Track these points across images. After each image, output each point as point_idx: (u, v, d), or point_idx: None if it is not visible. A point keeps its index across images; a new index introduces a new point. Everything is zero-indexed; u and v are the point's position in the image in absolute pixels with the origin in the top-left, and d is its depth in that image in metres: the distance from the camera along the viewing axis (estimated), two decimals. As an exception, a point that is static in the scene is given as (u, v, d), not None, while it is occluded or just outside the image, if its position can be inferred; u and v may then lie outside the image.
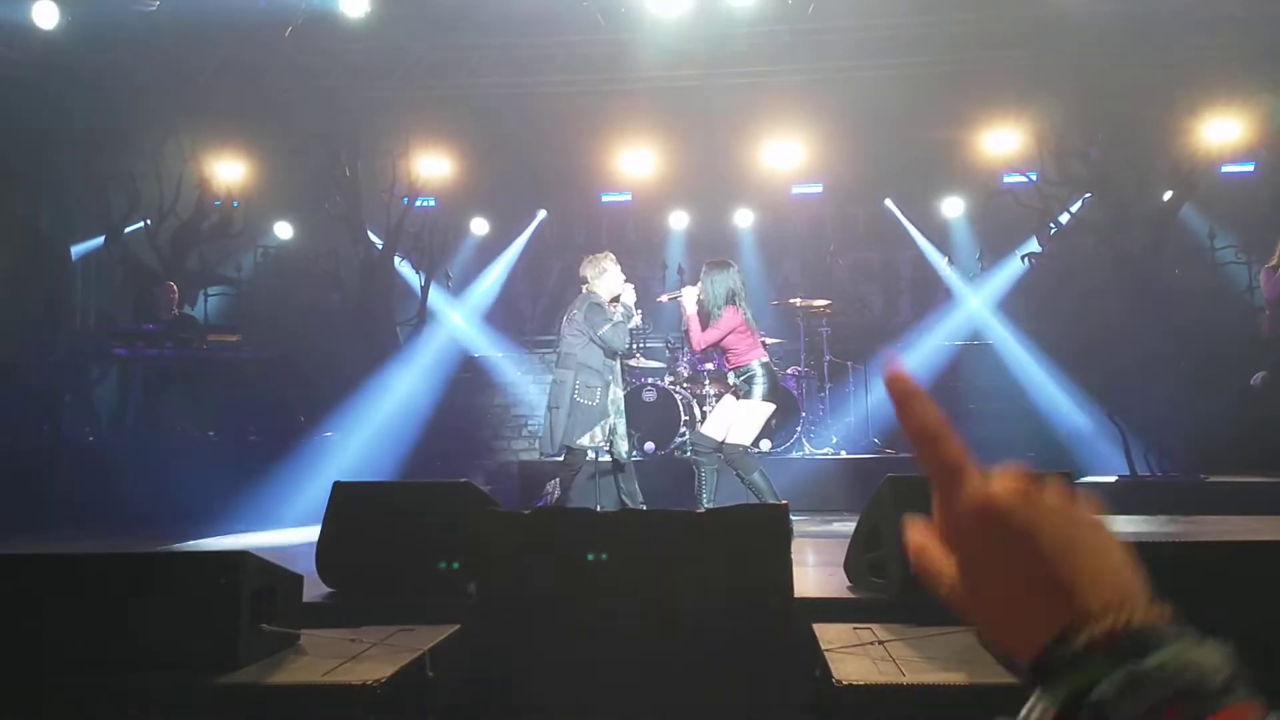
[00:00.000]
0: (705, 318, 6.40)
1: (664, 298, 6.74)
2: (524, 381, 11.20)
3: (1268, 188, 10.45)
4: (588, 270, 6.63)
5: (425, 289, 11.39)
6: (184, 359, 9.11)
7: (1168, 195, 10.23)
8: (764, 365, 6.32)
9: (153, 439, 8.47)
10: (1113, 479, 7.97)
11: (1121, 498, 7.42)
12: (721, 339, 6.33)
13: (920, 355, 10.54)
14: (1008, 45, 9.97)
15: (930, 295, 11.69)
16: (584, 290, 6.61)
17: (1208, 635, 0.62)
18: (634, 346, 9.77)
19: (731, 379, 6.45)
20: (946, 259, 11.09)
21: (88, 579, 3.51)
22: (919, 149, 11.03)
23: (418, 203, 11.35)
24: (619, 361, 6.67)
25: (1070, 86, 9.80)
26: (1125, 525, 6.45)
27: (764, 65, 10.42)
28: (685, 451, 8.90)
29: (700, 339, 6.39)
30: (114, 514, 7.38)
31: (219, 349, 9.31)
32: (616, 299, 6.60)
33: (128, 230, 10.77)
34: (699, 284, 6.46)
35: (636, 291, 6.75)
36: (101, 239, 10.66)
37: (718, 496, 6.41)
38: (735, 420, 6.29)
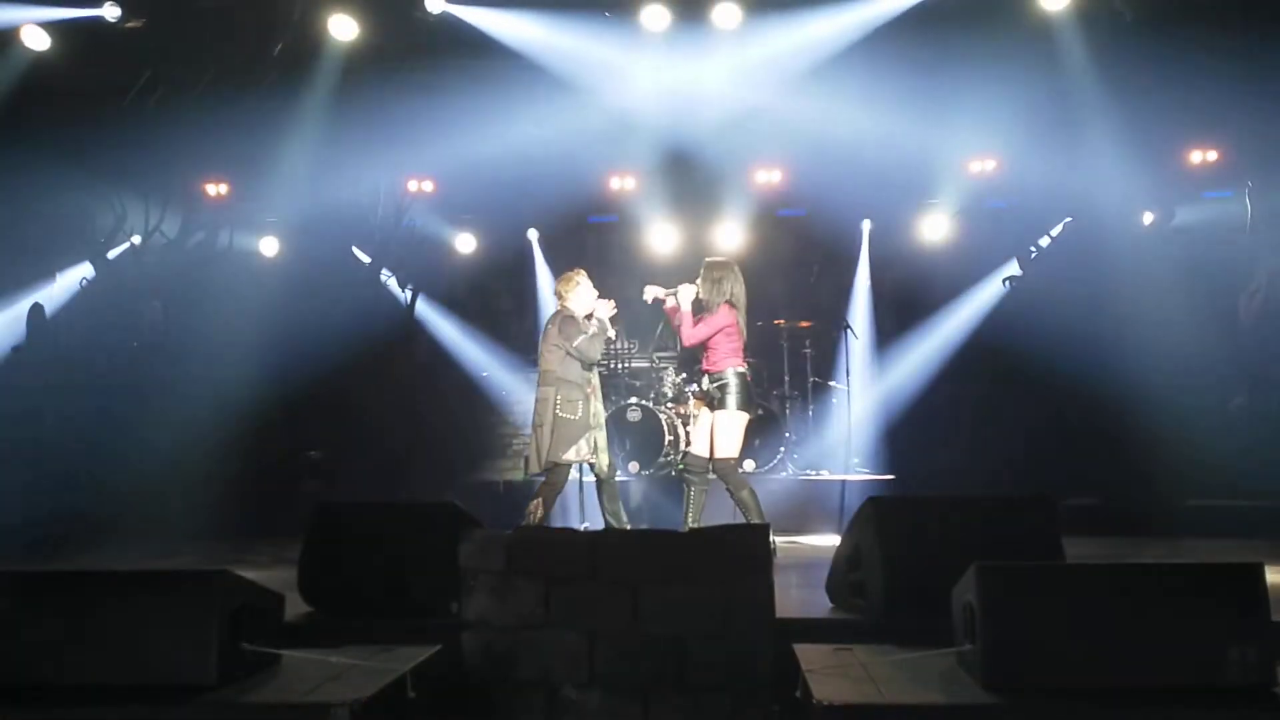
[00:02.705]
0: (698, 314, 6.44)
1: (660, 293, 6.70)
2: (509, 400, 11.20)
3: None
4: (561, 287, 6.78)
5: (411, 305, 11.38)
6: (168, 377, 9.09)
7: (1149, 219, 10.33)
8: (738, 375, 6.33)
9: (135, 456, 8.42)
10: (1093, 501, 8.01)
11: (1102, 520, 7.46)
12: (711, 336, 6.35)
13: (901, 374, 10.59)
14: (991, 67, 10.04)
15: (914, 316, 11.71)
16: (558, 306, 6.71)
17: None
18: (620, 367, 9.78)
19: (705, 382, 6.47)
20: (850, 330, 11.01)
21: (65, 596, 3.50)
22: (902, 172, 11.10)
23: (404, 220, 11.34)
24: (597, 375, 6.73)
25: (1052, 109, 9.88)
26: (1100, 548, 6.48)
27: (750, 87, 10.47)
28: (670, 471, 8.92)
29: (690, 334, 6.42)
30: (93, 531, 7.35)
31: (202, 367, 9.29)
32: (591, 315, 6.66)
33: (113, 253, 10.76)
34: (697, 280, 6.50)
35: (621, 311, 6.79)
36: (86, 263, 10.63)
37: (705, 517, 6.40)
38: (717, 435, 6.32)
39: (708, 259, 6.63)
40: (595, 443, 6.52)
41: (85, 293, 10.44)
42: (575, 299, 6.69)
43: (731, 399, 6.28)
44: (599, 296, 6.78)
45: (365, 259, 11.52)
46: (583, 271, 6.84)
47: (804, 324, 10.04)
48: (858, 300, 11.42)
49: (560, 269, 7.43)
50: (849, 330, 10.14)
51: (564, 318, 6.59)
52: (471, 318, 11.83)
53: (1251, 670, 3.09)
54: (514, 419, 10.98)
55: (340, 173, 10.60)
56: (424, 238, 11.62)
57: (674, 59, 9.87)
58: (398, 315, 11.34)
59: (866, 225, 11.64)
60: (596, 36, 9.64)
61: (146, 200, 10.75)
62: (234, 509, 7.75)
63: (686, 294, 6.49)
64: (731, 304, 6.39)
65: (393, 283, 11.58)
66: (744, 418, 6.35)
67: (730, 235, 11.62)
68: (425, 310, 11.78)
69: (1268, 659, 3.11)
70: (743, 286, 6.49)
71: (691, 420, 9.09)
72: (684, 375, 9.60)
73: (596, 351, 6.57)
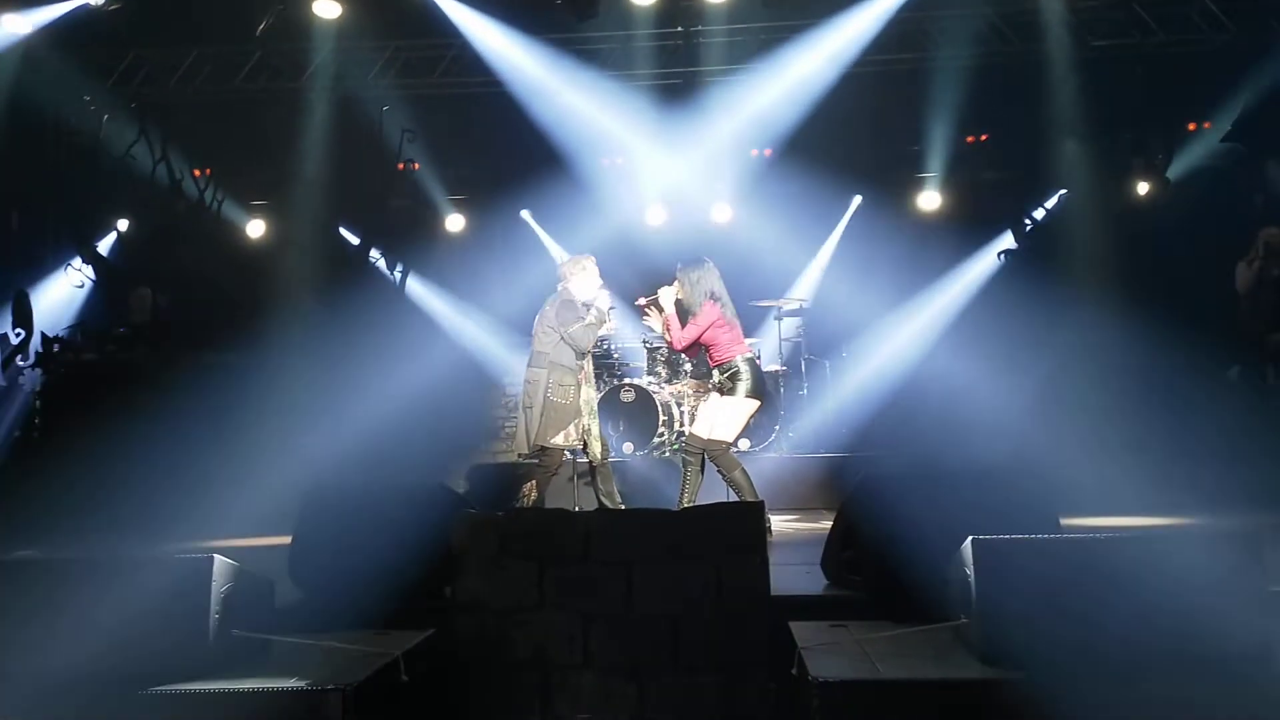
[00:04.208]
0: (684, 316, 6.38)
1: (642, 301, 6.68)
2: (502, 382, 11.16)
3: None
4: (566, 268, 6.64)
5: (401, 286, 11.32)
6: (155, 364, 9.04)
7: (1144, 189, 10.30)
8: (748, 361, 6.28)
9: (123, 444, 8.37)
10: (1086, 473, 7.98)
11: (1096, 492, 7.42)
12: (701, 335, 6.29)
13: (895, 349, 10.56)
14: (982, 41, 10.02)
15: (909, 291, 11.69)
16: (559, 288, 6.59)
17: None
18: (613, 349, 9.74)
19: (715, 375, 6.40)
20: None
21: (56, 584, 3.47)
22: (895, 145, 11.07)
23: (393, 199, 11.31)
24: (590, 362, 6.65)
25: (1045, 81, 9.84)
26: (1095, 520, 6.46)
27: (741, 62, 10.44)
28: (663, 452, 8.90)
29: (680, 337, 6.34)
30: (83, 519, 7.30)
31: (190, 352, 9.24)
32: (591, 302, 6.57)
33: (100, 238, 10.70)
34: (675, 283, 6.43)
35: (612, 290, 6.72)
36: (74, 249, 10.58)
37: (699, 497, 6.37)
38: (719, 417, 6.27)
39: (680, 263, 6.52)
40: (585, 430, 6.46)
41: (71, 278, 10.39)
42: (578, 284, 6.57)
43: (741, 386, 6.22)
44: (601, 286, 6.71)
45: (354, 239, 11.46)
46: (593, 258, 6.75)
47: (797, 301, 10.00)
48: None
49: (544, 248, 7.38)
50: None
51: (563, 301, 6.49)
52: (462, 297, 11.78)
53: (1248, 639, 3.08)
54: (508, 400, 10.94)
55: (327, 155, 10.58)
56: (413, 214, 11.58)
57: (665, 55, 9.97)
58: (388, 293, 11.29)
59: (856, 200, 11.60)
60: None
61: (133, 185, 10.67)
62: (223, 493, 7.69)
63: (667, 297, 6.42)
64: (714, 299, 6.33)
65: (381, 263, 11.53)
66: (752, 405, 6.30)
67: (723, 212, 11.58)
68: (415, 291, 11.73)
69: (1265, 627, 3.10)
70: (720, 280, 6.41)
71: (686, 400, 9.07)
72: (678, 356, 9.57)
73: (589, 341, 6.49)
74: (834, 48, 10.04)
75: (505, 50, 10.16)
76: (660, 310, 6.44)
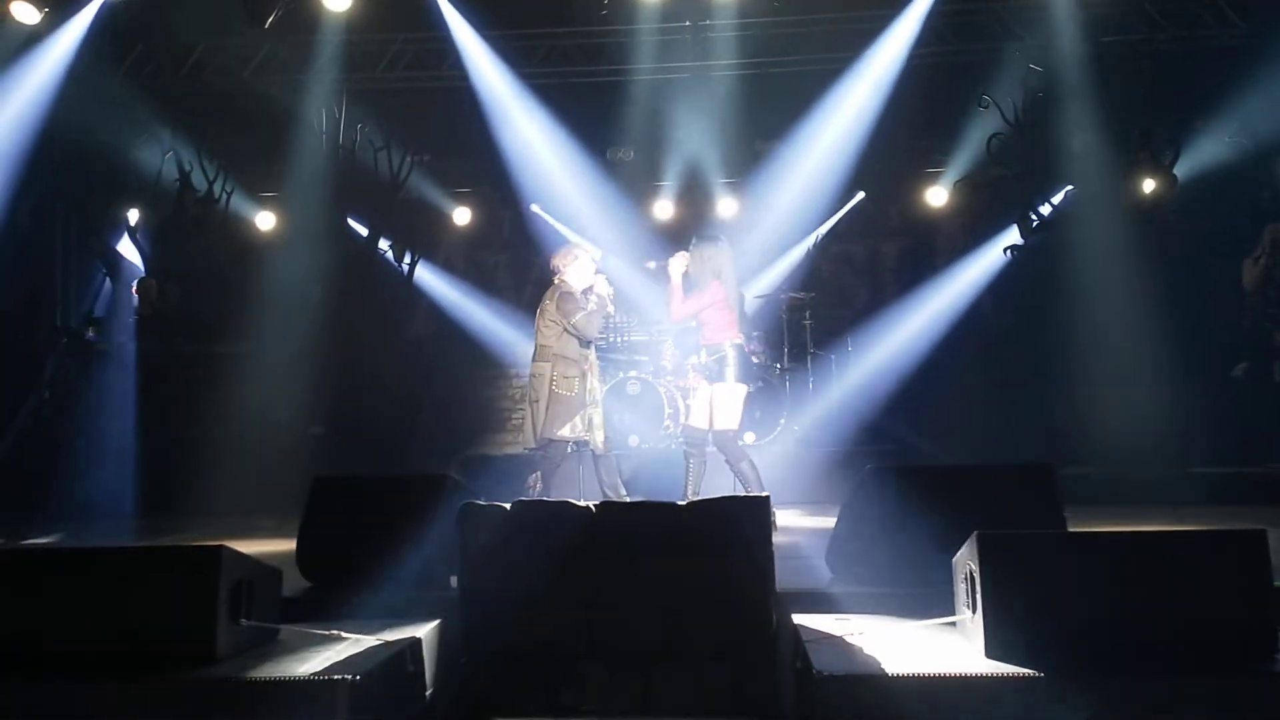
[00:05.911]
0: (689, 290, 6.38)
1: (650, 264, 6.68)
2: (507, 374, 11.19)
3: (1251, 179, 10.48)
4: (559, 260, 6.63)
5: (409, 278, 11.33)
6: (163, 355, 9.08)
7: (1152, 186, 10.27)
8: (736, 347, 6.28)
9: (130, 434, 8.41)
10: (1094, 469, 7.99)
11: (1102, 488, 7.43)
12: (699, 311, 6.30)
13: (902, 343, 10.55)
14: (990, 37, 10.00)
15: (915, 285, 11.68)
16: (555, 281, 6.59)
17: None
18: (619, 340, 9.74)
19: (702, 356, 6.42)
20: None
21: (63, 574, 3.49)
22: (901, 140, 11.04)
23: (400, 193, 11.32)
24: (594, 352, 6.65)
25: (1053, 77, 9.82)
26: (1101, 517, 6.47)
27: (749, 57, 10.43)
28: (670, 444, 8.90)
29: (679, 309, 6.35)
30: (92, 508, 7.34)
31: (195, 343, 9.27)
32: (589, 290, 6.57)
33: (109, 230, 10.74)
34: (688, 254, 6.43)
35: (613, 284, 6.73)
36: (83, 241, 10.61)
37: (706, 489, 6.37)
38: (715, 406, 6.28)
39: (697, 235, 6.55)
40: (590, 420, 6.46)
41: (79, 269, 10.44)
42: (574, 273, 6.55)
43: (729, 371, 6.23)
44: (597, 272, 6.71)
45: (362, 230, 11.49)
46: (581, 245, 6.77)
47: (803, 295, 10.00)
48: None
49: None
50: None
51: (562, 293, 6.48)
52: (470, 288, 11.80)
53: (1253, 636, 3.08)
54: (514, 392, 10.98)
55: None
56: (421, 208, 11.59)
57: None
58: (396, 287, 11.30)
59: (859, 195, 11.60)
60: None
61: (142, 178, 10.70)
62: (232, 484, 7.73)
63: (677, 267, 6.42)
64: (720, 279, 6.32)
65: (391, 254, 11.55)
66: (742, 390, 6.31)
67: (727, 206, 11.57)
68: (424, 283, 11.74)
69: (1269, 625, 3.10)
70: (732, 262, 6.42)
71: (691, 393, 9.07)
72: (684, 348, 9.57)
73: (595, 329, 6.48)
74: (840, 45, 10.05)
75: (512, 43, 10.17)
76: (668, 278, 6.44)
